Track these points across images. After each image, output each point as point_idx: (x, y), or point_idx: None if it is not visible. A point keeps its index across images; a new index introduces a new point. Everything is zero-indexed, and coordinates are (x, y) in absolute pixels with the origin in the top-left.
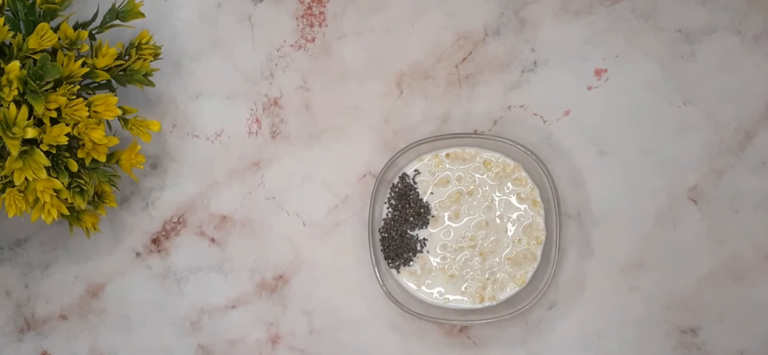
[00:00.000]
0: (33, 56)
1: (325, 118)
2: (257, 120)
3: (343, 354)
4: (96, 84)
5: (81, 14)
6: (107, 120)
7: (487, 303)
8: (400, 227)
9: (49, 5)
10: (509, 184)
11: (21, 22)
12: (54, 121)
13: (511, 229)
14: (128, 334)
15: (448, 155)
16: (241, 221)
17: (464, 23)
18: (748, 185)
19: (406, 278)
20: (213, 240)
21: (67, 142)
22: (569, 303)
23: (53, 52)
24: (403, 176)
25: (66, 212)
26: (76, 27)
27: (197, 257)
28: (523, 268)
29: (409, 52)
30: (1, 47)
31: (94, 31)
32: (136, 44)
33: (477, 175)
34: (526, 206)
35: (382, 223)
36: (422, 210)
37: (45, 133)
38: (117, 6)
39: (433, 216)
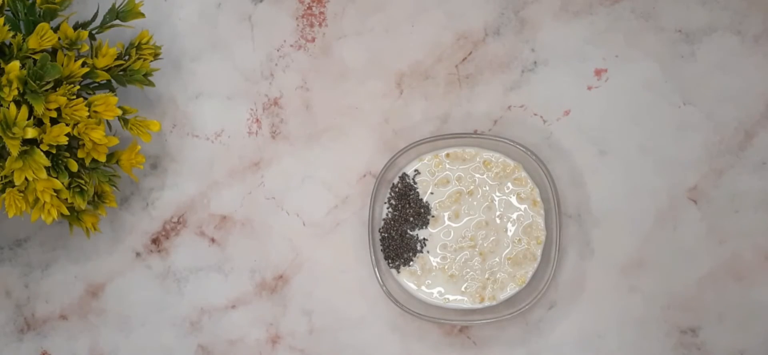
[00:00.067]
0: (33, 56)
1: (325, 118)
2: (257, 120)
3: (343, 354)
4: (96, 84)
5: (81, 14)
6: (107, 120)
7: (487, 303)
8: (400, 227)
9: (49, 5)
10: (509, 184)
11: (21, 22)
12: (54, 121)
13: (511, 229)
14: (128, 334)
15: (448, 155)
16: (241, 221)
17: (464, 23)
18: (748, 185)
19: (406, 278)
20: (213, 240)
21: (67, 142)
22: (569, 303)
23: (53, 52)
24: (403, 176)
25: (66, 212)
26: (76, 27)
27: (197, 257)
28: (523, 268)
29: (409, 52)
30: (1, 47)
31: (94, 31)
32: (136, 44)
33: (477, 176)
34: (526, 206)
35: (382, 223)
36: (422, 210)
37: (45, 133)
38: (117, 6)
39: (433, 216)
